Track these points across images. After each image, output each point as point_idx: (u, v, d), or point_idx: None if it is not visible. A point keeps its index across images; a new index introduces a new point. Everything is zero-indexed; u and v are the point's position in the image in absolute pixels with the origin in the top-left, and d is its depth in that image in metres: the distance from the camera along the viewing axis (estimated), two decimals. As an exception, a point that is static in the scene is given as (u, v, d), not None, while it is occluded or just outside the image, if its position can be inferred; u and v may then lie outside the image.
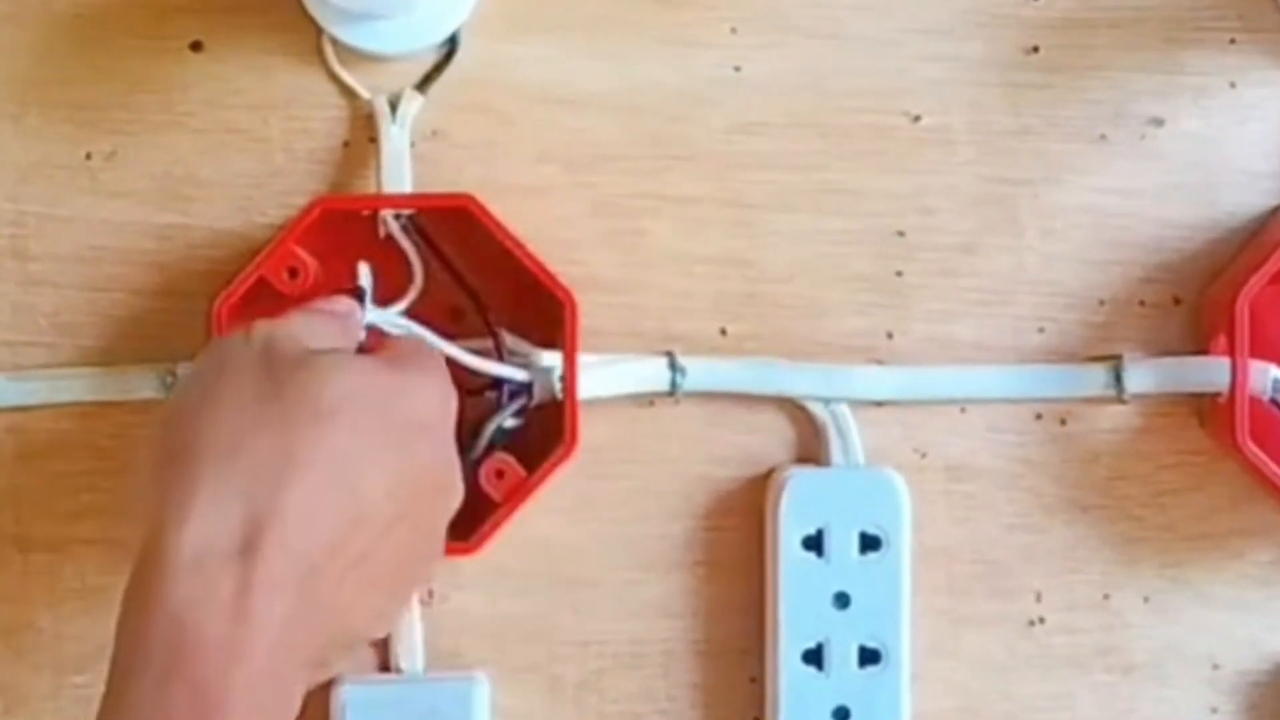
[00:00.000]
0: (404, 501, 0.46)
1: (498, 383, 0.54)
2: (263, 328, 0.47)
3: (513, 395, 0.53)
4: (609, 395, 0.55)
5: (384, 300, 0.53)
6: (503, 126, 0.56)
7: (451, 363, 0.52)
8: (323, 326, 0.49)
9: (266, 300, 0.53)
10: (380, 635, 0.50)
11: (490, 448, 0.54)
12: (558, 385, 0.53)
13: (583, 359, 0.54)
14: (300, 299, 0.54)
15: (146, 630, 0.42)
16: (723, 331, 0.56)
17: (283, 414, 0.44)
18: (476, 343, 0.53)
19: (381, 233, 0.54)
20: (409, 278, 0.54)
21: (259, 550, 0.42)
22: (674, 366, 0.55)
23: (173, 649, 0.41)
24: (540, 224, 0.55)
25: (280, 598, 0.42)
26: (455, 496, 0.49)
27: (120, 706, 0.42)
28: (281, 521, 0.42)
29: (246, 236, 0.55)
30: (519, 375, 0.53)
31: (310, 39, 0.55)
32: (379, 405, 0.46)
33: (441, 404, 0.48)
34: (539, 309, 0.54)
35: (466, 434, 0.54)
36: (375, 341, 0.51)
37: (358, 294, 0.52)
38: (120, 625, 0.43)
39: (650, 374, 0.55)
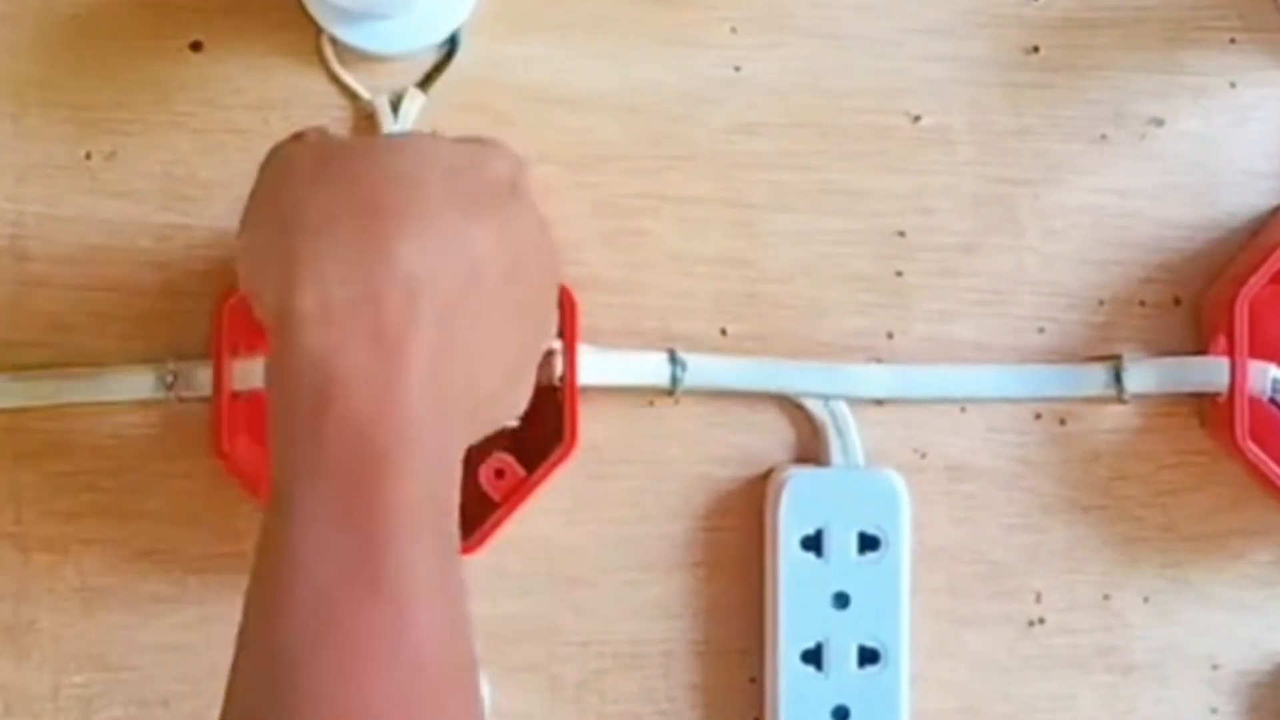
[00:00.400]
0: (514, 255, 0.45)
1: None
2: (312, 128, 0.46)
3: None
4: (611, 385, 0.55)
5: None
6: (503, 126, 0.56)
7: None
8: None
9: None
10: (508, 415, 0.48)
11: (490, 447, 0.53)
12: (556, 373, 0.53)
13: (584, 350, 0.54)
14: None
15: (291, 379, 0.41)
16: (723, 331, 0.56)
17: (370, 185, 0.43)
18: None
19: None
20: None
21: (383, 298, 0.41)
22: (675, 361, 0.55)
23: (320, 389, 0.40)
24: (540, 224, 0.55)
25: (418, 336, 0.41)
26: (555, 261, 0.49)
27: (280, 455, 0.41)
28: (399, 270, 0.41)
29: (246, 236, 0.55)
30: None
31: (310, 39, 0.55)
32: (458, 169, 0.44)
33: (517, 167, 0.47)
34: (539, 309, 0.54)
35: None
36: None
37: None
38: (268, 385, 0.42)
39: (652, 368, 0.55)
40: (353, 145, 0.45)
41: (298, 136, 0.46)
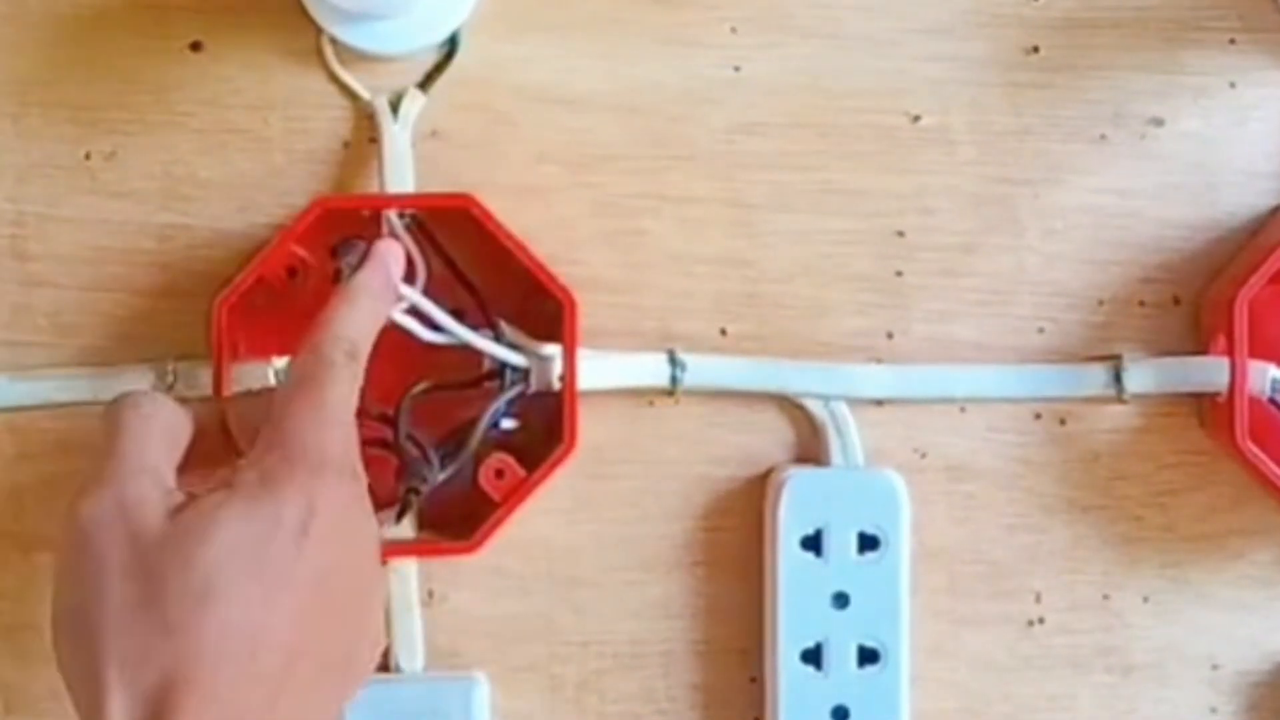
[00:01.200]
0: (313, 614, 0.44)
1: (499, 375, 0.54)
2: (111, 501, 0.44)
3: (511, 385, 0.53)
4: (611, 388, 0.55)
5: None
6: (503, 126, 0.56)
7: (447, 355, 0.52)
8: (153, 446, 0.46)
9: (267, 300, 0.54)
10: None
11: (489, 447, 0.54)
12: (556, 377, 0.53)
13: (583, 354, 0.54)
14: (300, 299, 0.54)
15: None
16: (723, 331, 0.56)
17: (163, 601, 0.43)
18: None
19: (385, 232, 0.54)
20: (412, 278, 0.53)
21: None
22: (674, 362, 0.55)
23: None
24: (540, 224, 0.55)
25: None
26: (371, 567, 0.46)
27: None
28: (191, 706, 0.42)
29: (246, 236, 0.55)
30: (516, 359, 0.53)
31: (310, 39, 0.55)
32: (252, 552, 0.43)
33: (306, 508, 0.44)
34: (539, 309, 0.54)
35: (465, 429, 0.54)
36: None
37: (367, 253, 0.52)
38: None
39: (651, 369, 0.55)
40: (150, 545, 0.44)
41: (99, 505, 0.44)
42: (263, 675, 0.43)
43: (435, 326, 0.53)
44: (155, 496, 0.44)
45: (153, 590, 0.43)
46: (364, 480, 0.46)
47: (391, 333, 0.52)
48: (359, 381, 0.47)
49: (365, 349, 0.48)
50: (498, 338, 0.53)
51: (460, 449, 0.53)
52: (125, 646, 0.42)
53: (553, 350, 0.53)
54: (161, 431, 0.47)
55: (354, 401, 0.47)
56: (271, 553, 0.44)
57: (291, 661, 0.43)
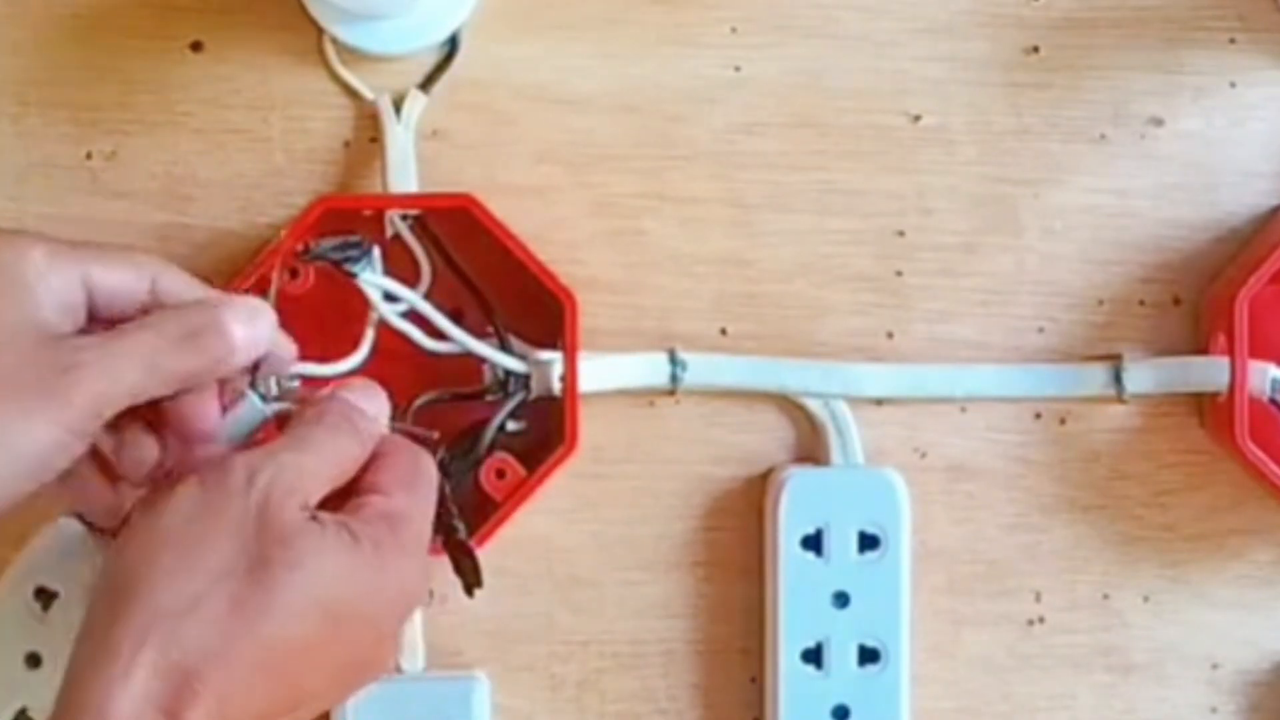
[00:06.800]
0: (338, 679, 0.46)
1: (501, 385, 0.54)
2: (266, 475, 0.44)
3: (513, 393, 0.53)
4: (611, 389, 0.55)
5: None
6: (503, 126, 0.56)
7: (448, 360, 0.53)
8: (329, 461, 0.46)
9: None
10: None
11: (492, 448, 0.54)
12: (556, 381, 0.53)
13: (584, 355, 0.54)
14: (300, 299, 0.54)
15: None
16: (723, 331, 0.57)
17: (250, 592, 0.43)
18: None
19: (389, 232, 0.54)
20: (415, 278, 0.54)
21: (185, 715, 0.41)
22: (675, 361, 0.55)
23: None
24: (540, 224, 0.55)
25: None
26: (390, 652, 0.48)
27: None
28: (214, 695, 0.42)
29: (246, 236, 0.55)
30: (517, 366, 0.53)
31: (310, 39, 0.55)
32: (342, 608, 0.44)
33: (403, 598, 0.46)
34: (540, 309, 0.54)
35: (468, 435, 0.54)
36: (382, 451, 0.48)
37: (361, 250, 0.52)
38: None
39: (651, 368, 0.55)
40: (270, 537, 0.44)
41: (250, 476, 0.44)
42: (288, 706, 0.44)
43: (437, 334, 0.53)
44: (294, 490, 0.45)
45: (249, 568, 0.43)
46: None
47: (393, 341, 0.52)
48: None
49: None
50: (500, 339, 0.53)
51: (465, 456, 0.53)
52: (186, 604, 0.42)
53: (552, 356, 0.53)
54: (330, 451, 0.47)
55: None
56: (353, 618, 0.45)
57: (316, 697, 0.45)
